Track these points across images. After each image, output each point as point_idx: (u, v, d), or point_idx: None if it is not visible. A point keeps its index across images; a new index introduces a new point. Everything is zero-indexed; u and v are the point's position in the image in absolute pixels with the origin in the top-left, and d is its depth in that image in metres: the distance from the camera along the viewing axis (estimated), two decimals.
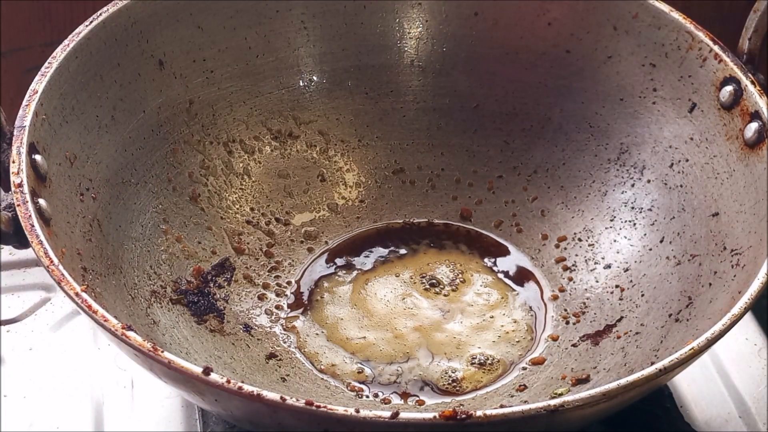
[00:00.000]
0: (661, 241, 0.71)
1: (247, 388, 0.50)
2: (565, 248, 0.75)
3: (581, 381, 0.65)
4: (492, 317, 0.72)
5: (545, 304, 0.73)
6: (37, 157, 0.60)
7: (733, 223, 0.65)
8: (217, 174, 0.75)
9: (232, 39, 0.75)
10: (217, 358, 0.66)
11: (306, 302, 0.72)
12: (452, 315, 0.72)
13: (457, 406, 0.66)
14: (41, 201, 0.59)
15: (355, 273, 0.74)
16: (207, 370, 0.50)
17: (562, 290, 0.73)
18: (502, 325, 0.71)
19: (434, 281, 0.73)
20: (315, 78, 0.78)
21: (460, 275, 0.74)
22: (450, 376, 0.68)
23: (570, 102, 0.76)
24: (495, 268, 0.75)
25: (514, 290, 0.73)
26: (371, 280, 0.73)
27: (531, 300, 0.73)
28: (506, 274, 0.75)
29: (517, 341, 0.70)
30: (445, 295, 0.73)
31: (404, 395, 0.67)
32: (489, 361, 0.69)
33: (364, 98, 0.79)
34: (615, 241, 0.74)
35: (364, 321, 0.71)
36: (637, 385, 0.51)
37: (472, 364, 0.69)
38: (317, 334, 0.70)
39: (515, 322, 0.71)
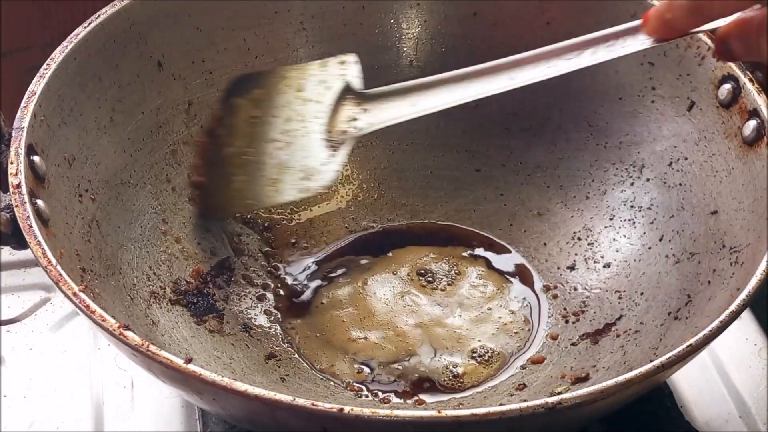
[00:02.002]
0: (661, 240, 0.71)
1: (246, 388, 0.50)
2: (565, 247, 0.75)
3: (580, 380, 0.65)
4: (489, 309, 0.72)
5: (545, 304, 0.73)
6: (36, 158, 0.60)
7: (732, 221, 0.65)
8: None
9: (230, 40, 0.75)
10: (216, 358, 0.66)
11: (306, 303, 0.72)
12: (451, 309, 0.72)
13: (457, 404, 0.66)
14: (39, 202, 0.59)
15: (354, 273, 0.74)
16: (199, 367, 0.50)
17: (561, 289, 0.73)
18: (500, 317, 0.71)
19: (431, 277, 0.73)
20: None
21: (455, 267, 0.74)
22: (451, 372, 0.68)
23: (569, 101, 0.76)
24: (492, 263, 0.75)
25: (509, 280, 0.73)
26: (370, 280, 0.73)
27: (527, 293, 0.73)
28: (506, 273, 0.75)
29: (516, 332, 0.71)
30: (442, 290, 0.73)
31: (404, 394, 0.67)
32: (489, 354, 0.69)
33: None
34: (614, 239, 0.74)
35: (366, 321, 0.71)
36: (635, 382, 0.51)
37: (472, 358, 0.69)
38: (317, 335, 0.70)
39: (512, 313, 0.72)
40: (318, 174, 0.67)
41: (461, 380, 0.67)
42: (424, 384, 0.67)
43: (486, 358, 0.69)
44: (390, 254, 0.75)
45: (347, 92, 0.68)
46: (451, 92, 0.65)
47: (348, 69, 0.69)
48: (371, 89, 0.68)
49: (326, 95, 0.68)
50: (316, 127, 0.67)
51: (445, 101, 0.66)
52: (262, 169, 0.68)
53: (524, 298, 0.73)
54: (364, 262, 0.75)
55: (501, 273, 0.74)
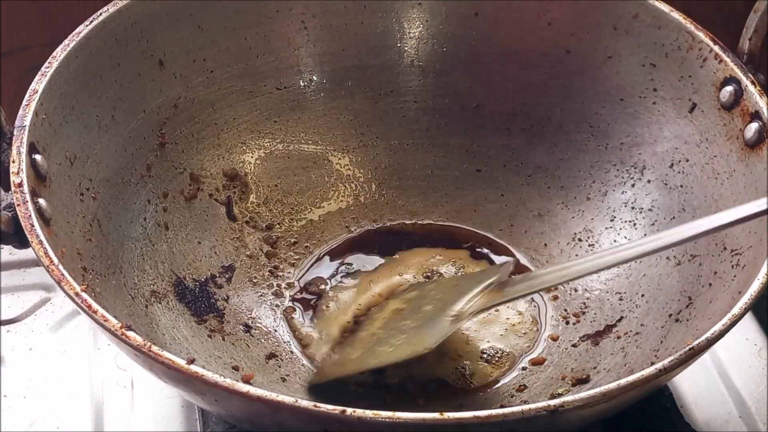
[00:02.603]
0: None
1: (248, 389, 0.50)
2: (565, 248, 0.75)
3: (581, 381, 0.65)
4: (497, 310, 0.72)
5: (545, 304, 0.73)
6: (37, 157, 0.60)
7: None
8: (218, 174, 0.75)
9: (232, 39, 0.75)
10: (217, 358, 0.66)
11: (311, 304, 0.72)
12: None
13: (458, 406, 0.66)
14: (41, 201, 0.59)
15: (358, 274, 0.74)
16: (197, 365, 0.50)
17: (562, 290, 0.73)
18: (508, 318, 0.71)
19: (438, 277, 0.73)
20: (315, 78, 0.78)
21: (462, 270, 0.74)
22: (460, 372, 0.68)
23: (570, 102, 0.76)
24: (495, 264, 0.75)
25: None
26: (375, 282, 0.73)
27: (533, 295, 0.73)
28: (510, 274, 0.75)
29: (524, 333, 0.71)
30: None
31: (405, 395, 0.67)
32: (498, 355, 0.69)
33: (364, 98, 0.79)
34: (615, 241, 0.74)
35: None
36: (637, 386, 0.51)
37: (481, 358, 0.69)
38: (321, 336, 0.70)
39: (520, 314, 0.72)
40: (428, 342, 0.65)
41: (471, 380, 0.67)
42: (431, 384, 0.67)
43: (496, 358, 0.69)
44: (396, 256, 0.75)
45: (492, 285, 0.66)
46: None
47: (504, 269, 0.68)
48: (514, 286, 0.65)
49: (474, 288, 0.66)
50: (450, 311, 0.66)
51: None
52: (384, 345, 0.66)
53: (531, 299, 0.73)
54: (366, 262, 0.75)
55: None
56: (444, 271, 0.74)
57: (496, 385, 0.67)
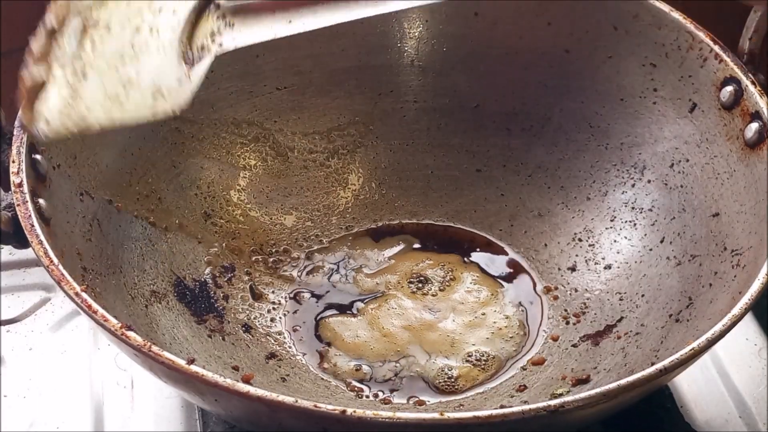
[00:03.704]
0: (662, 242, 0.71)
1: (248, 389, 0.50)
2: (565, 248, 0.75)
3: (581, 381, 0.65)
4: (484, 314, 0.72)
5: (545, 304, 0.73)
6: (38, 157, 0.60)
7: (734, 224, 0.65)
8: (217, 174, 0.75)
9: None
10: (217, 358, 0.66)
11: (305, 304, 0.72)
12: (443, 314, 0.72)
13: (457, 406, 0.66)
14: (41, 201, 0.59)
15: (353, 275, 0.74)
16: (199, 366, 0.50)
17: (562, 290, 0.73)
18: (495, 322, 0.71)
19: (421, 283, 0.73)
20: (315, 78, 0.78)
21: (450, 273, 0.74)
22: (446, 374, 0.68)
23: (570, 102, 0.76)
24: (488, 267, 0.75)
25: (503, 286, 0.73)
26: (368, 282, 0.73)
27: (526, 298, 0.73)
28: (506, 273, 0.75)
29: (511, 337, 0.71)
30: (433, 295, 0.73)
31: (404, 395, 0.67)
32: (484, 358, 0.69)
33: (364, 98, 0.79)
34: (615, 241, 0.74)
35: (354, 323, 0.71)
36: (637, 386, 0.51)
37: (467, 361, 0.69)
38: (319, 334, 0.70)
39: (507, 318, 0.72)
40: (171, 93, 0.58)
41: (456, 383, 0.67)
42: (421, 385, 0.67)
43: (482, 361, 0.69)
44: (389, 257, 0.75)
45: (208, 3, 0.59)
46: (329, 12, 0.61)
47: None
48: (237, 1, 0.60)
49: (182, 5, 0.58)
50: (170, 40, 0.58)
51: (325, 20, 0.61)
52: (104, 82, 0.57)
53: (519, 303, 0.72)
54: (364, 263, 0.75)
55: (495, 278, 0.74)
56: (432, 275, 0.74)
57: (490, 385, 0.67)
